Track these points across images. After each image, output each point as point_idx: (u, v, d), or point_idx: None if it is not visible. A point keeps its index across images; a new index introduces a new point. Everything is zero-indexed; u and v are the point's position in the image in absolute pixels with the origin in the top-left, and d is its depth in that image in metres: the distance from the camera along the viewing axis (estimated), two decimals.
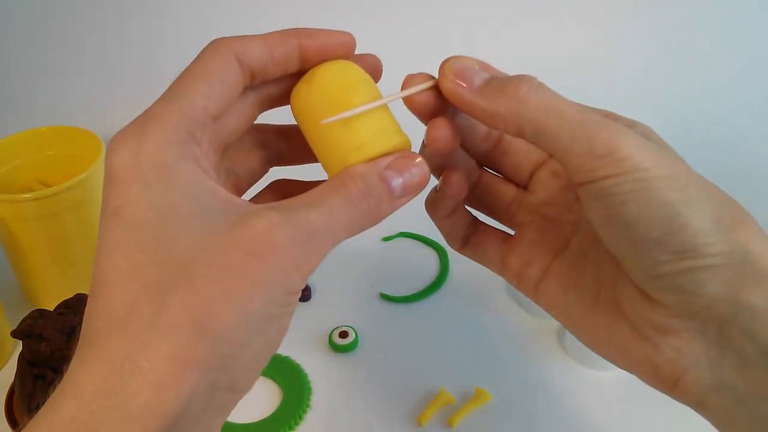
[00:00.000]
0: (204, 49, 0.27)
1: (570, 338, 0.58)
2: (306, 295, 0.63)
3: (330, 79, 0.28)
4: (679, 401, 0.28)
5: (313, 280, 0.65)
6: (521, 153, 0.33)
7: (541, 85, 0.27)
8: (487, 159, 0.34)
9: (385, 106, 0.28)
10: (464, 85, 0.28)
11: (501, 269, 0.34)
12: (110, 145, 0.24)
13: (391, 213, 0.27)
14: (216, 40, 0.27)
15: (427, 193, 0.33)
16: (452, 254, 0.68)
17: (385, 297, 0.64)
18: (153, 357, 0.21)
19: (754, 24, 0.89)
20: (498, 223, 0.35)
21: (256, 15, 0.76)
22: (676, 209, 0.24)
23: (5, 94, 0.85)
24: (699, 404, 0.27)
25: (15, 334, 0.51)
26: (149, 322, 0.22)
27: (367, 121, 0.27)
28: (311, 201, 0.25)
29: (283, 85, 0.30)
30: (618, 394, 0.55)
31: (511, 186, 0.34)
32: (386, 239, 0.70)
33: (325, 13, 0.79)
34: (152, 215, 0.23)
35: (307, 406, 0.54)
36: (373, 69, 0.30)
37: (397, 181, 0.27)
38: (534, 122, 0.26)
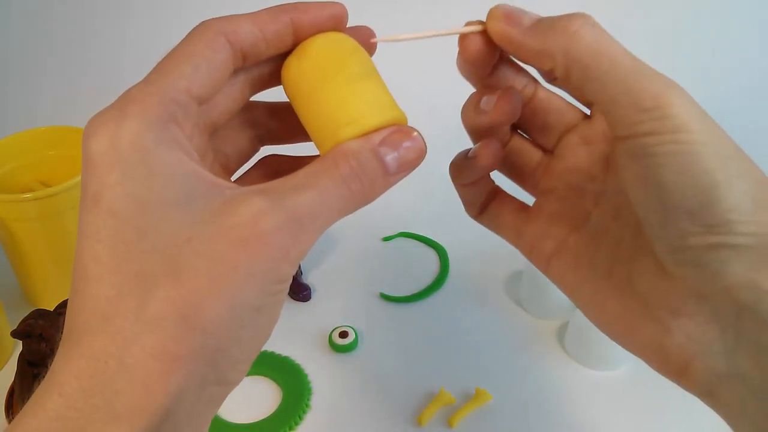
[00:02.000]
0: (191, 31, 0.26)
1: (570, 338, 0.58)
2: (306, 295, 0.63)
3: (322, 51, 0.27)
4: (687, 390, 0.27)
5: (313, 280, 0.65)
6: (553, 113, 0.31)
7: (596, 25, 0.25)
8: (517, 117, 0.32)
9: (379, 79, 0.27)
10: (514, 25, 0.27)
11: (515, 239, 0.33)
12: (87, 128, 0.23)
13: (385, 191, 0.26)
14: (204, 21, 0.26)
15: (452, 158, 0.32)
16: (452, 254, 0.68)
17: (385, 297, 0.64)
18: (139, 353, 0.21)
19: (754, 23, 0.89)
20: (518, 191, 0.34)
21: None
22: (715, 179, 0.23)
23: (5, 94, 0.85)
24: (708, 394, 0.26)
25: (15, 334, 0.51)
26: (134, 316, 0.21)
27: (360, 93, 0.26)
28: (301, 183, 0.24)
29: (274, 65, 0.28)
30: (618, 394, 0.55)
31: (539, 151, 0.33)
32: (386, 239, 0.70)
33: None
34: (133, 204, 0.22)
35: (307, 406, 0.54)
36: (367, 41, 0.29)
37: (391, 157, 0.25)
38: (583, 62, 0.25)
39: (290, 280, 0.24)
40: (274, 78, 0.29)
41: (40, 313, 0.51)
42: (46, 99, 0.84)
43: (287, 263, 0.23)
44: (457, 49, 0.29)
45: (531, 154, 0.33)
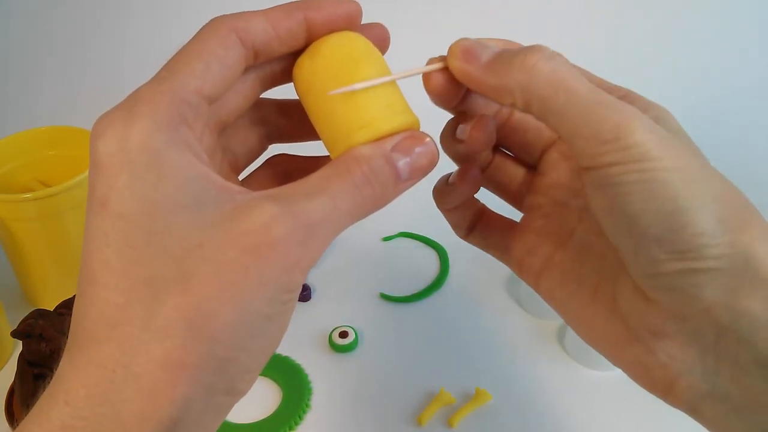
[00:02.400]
0: (202, 27, 0.25)
1: (570, 338, 0.58)
2: (306, 295, 0.63)
3: (335, 52, 0.26)
4: (673, 406, 0.27)
5: (313, 280, 0.65)
6: (531, 131, 0.31)
7: (553, 56, 0.25)
8: (497, 136, 0.32)
9: (393, 83, 0.27)
10: (471, 62, 0.26)
11: (505, 257, 0.33)
12: (94, 129, 0.22)
13: (396, 197, 0.26)
14: (215, 18, 0.25)
15: (435, 182, 0.32)
16: (452, 254, 0.68)
17: (385, 297, 0.64)
18: (146, 362, 0.20)
19: (754, 22, 0.89)
20: (505, 209, 0.34)
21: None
22: (680, 205, 0.23)
23: (5, 94, 0.85)
24: (692, 411, 0.26)
25: (15, 334, 0.51)
26: (142, 323, 0.21)
27: (374, 97, 0.26)
28: (313, 189, 0.23)
29: (285, 62, 0.28)
30: (618, 394, 0.54)
31: (522, 168, 0.33)
32: (386, 239, 0.70)
33: None
34: (142, 207, 0.21)
35: (307, 406, 0.54)
36: (381, 39, 0.28)
37: (403, 163, 0.25)
38: (541, 97, 0.25)
39: (300, 289, 0.23)
40: (285, 75, 0.28)
41: (40, 313, 0.51)
42: (46, 99, 0.84)
43: (298, 271, 0.22)
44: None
45: (515, 171, 0.33)
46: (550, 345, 0.59)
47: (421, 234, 0.70)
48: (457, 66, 0.27)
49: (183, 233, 0.21)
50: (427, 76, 0.28)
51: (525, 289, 0.62)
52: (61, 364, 0.22)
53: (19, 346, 0.53)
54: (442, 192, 0.32)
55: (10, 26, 0.84)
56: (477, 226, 0.33)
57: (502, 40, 0.28)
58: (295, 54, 0.27)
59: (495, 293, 0.64)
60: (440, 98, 0.29)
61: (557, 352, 0.58)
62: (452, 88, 0.28)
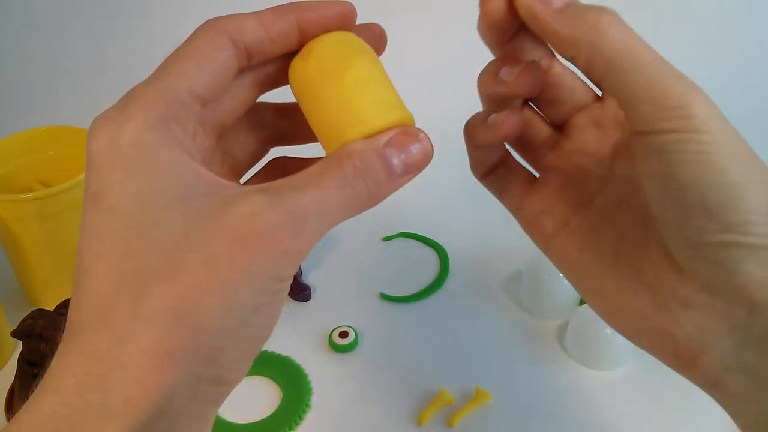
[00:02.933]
0: (195, 29, 0.25)
1: (570, 338, 0.58)
2: (306, 295, 0.63)
3: (329, 51, 0.26)
4: (693, 380, 0.27)
5: (313, 280, 0.65)
6: (566, 89, 0.31)
7: (622, 21, 0.25)
8: None
9: (386, 79, 0.27)
10: (544, 3, 0.26)
11: (516, 210, 0.33)
12: (90, 129, 0.23)
13: (391, 193, 0.26)
14: (208, 20, 0.26)
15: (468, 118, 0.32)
16: (452, 254, 0.68)
17: (385, 297, 0.63)
18: (133, 350, 0.21)
19: (755, 21, 0.89)
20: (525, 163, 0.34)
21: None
22: (735, 180, 0.24)
23: (5, 94, 0.85)
24: (714, 385, 0.26)
25: (15, 334, 0.51)
26: (130, 313, 0.21)
27: (367, 94, 0.26)
28: (303, 182, 0.24)
29: (282, 64, 0.28)
30: (618, 394, 0.54)
31: (547, 127, 0.33)
32: (386, 239, 0.70)
33: None
34: (133, 202, 0.22)
35: (307, 406, 0.54)
36: (378, 39, 0.28)
37: (397, 159, 0.25)
38: (608, 58, 0.25)
39: (290, 280, 0.24)
40: (281, 77, 0.28)
41: (40, 313, 0.51)
42: (45, 99, 0.84)
43: (287, 261, 0.23)
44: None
45: (540, 128, 0.33)
46: (550, 345, 0.59)
47: (421, 234, 0.70)
48: (528, 3, 0.26)
49: (172, 226, 0.22)
50: (487, 1, 0.27)
51: (525, 289, 0.62)
52: (55, 356, 0.23)
53: (19, 346, 0.53)
54: (478, 129, 0.31)
55: (10, 26, 0.84)
56: (497, 170, 0.33)
57: None
58: (291, 56, 0.28)
59: (495, 293, 0.64)
60: (495, 28, 0.28)
61: (557, 352, 0.58)
62: (510, 19, 0.28)
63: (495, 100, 0.31)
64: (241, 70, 0.26)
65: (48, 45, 0.85)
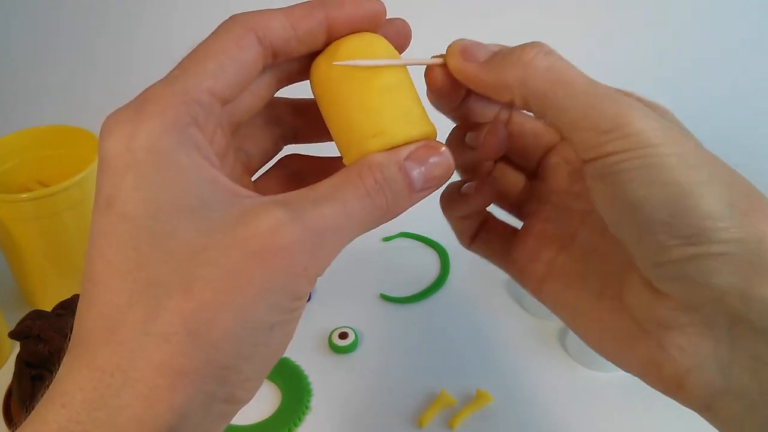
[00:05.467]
0: (219, 25, 0.24)
1: (571, 339, 0.57)
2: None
3: (353, 54, 0.25)
4: (685, 405, 0.26)
5: None
6: (529, 136, 0.31)
7: (550, 52, 0.25)
8: None
9: (412, 89, 0.26)
10: (469, 60, 0.26)
11: (507, 265, 0.33)
12: (103, 127, 0.22)
13: (409, 207, 0.25)
14: (233, 15, 0.24)
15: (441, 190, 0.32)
16: (453, 255, 0.67)
17: (386, 297, 0.63)
18: (145, 367, 0.20)
19: (753, 21, 0.88)
20: (506, 217, 0.34)
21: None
22: (684, 189, 0.23)
23: (4, 94, 0.84)
24: (706, 409, 0.25)
25: (13, 335, 0.50)
26: (142, 327, 0.20)
27: (392, 104, 0.25)
28: (323, 195, 0.23)
29: (303, 61, 0.27)
30: (619, 394, 0.54)
31: (522, 175, 0.33)
32: (386, 239, 0.70)
33: None
34: (147, 209, 0.21)
35: (307, 407, 0.53)
36: (402, 36, 0.28)
37: (418, 173, 0.25)
38: (539, 92, 0.25)
39: (306, 298, 0.23)
40: (301, 74, 0.28)
41: (38, 314, 0.51)
42: (44, 99, 0.84)
43: (305, 279, 0.22)
44: None
45: (515, 179, 0.33)
46: (552, 346, 0.59)
47: (421, 234, 0.70)
48: (455, 63, 0.27)
49: (188, 236, 0.21)
50: (428, 72, 0.28)
51: None
52: (61, 366, 0.22)
53: (16, 347, 0.53)
54: (453, 200, 0.31)
55: (10, 25, 0.84)
56: (480, 233, 0.33)
57: (500, 45, 0.28)
58: (313, 53, 0.27)
59: (496, 294, 0.64)
60: (440, 96, 0.29)
61: (558, 353, 0.58)
62: (452, 86, 0.28)
63: (467, 168, 0.31)
64: (264, 68, 0.26)
65: (46, 44, 0.85)
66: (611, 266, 0.28)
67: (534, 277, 0.31)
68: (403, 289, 0.64)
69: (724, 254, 0.23)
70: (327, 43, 0.26)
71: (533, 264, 0.31)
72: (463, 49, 0.27)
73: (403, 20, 0.28)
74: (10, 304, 0.60)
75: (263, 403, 0.54)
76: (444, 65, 0.28)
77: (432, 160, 0.25)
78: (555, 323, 0.60)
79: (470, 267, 0.66)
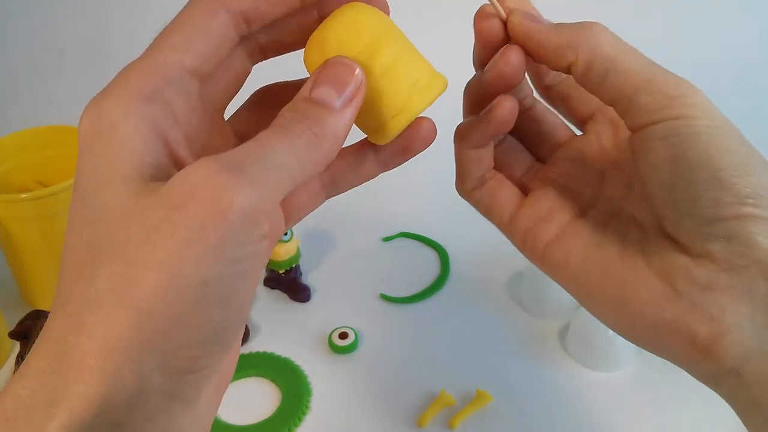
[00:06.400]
0: (188, 1, 0.24)
1: (572, 339, 0.57)
2: (306, 295, 0.63)
3: (350, 34, 0.25)
4: (704, 373, 0.26)
5: (313, 281, 0.65)
6: (547, 124, 0.32)
7: (611, 31, 0.27)
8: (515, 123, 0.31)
9: (411, 49, 0.26)
10: (536, 22, 0.28)
11: (507, 224, 0.32)
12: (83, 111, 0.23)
13: (346, 123, 0.24)
14: None
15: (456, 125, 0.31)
16: (453, 255, 0.67)
17: (386, 297, 0.63)
18: (79, 335, 0.20)
19: (753, 20, 0.88)
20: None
21: None
22: (745, 157, 0.25)
23: (4, 94, 0.85)
24: (730, 373, 0.25)
25: (13, 335, 0.50)
26: (81, 297, 0.21)
27: (399, 80, 0.25)
28: (245, 146, 0.22)
29: (275, 32, 0.27)
30: (620, 395, 0.54)
31: (530, 156, 0.33)
32: (387, 239, 0.70)
33: None
34: (91, 181, 0.22)
35: (307, 407, 0.53)
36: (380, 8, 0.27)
37: (327, 93, 0.24)
38: (607, 56, 0.26)
39: (257, 245, 0.21)
40: (285, 46, 0.27)
41: (37, 314, 0.51)
42: (44, 98, 0.84)
43: (232, 210, 0.20)
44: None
45: (524, 156, 0.33)
46: (552, 346, 0.59)
47: (421, 234, 0.70)
48: (520, 22, 0.28)
49: (119, 204, 0.21)
50: (482, 22, 0.29)
51: (526, 289, 0.62)
52: None
53: (16, 347, 0.53)
54: (471, 127, 0.30)
55: (10, 25, 0.84)
56: (487, 182, 0.32)
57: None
58: (296, 16, 0.26)
59: (496, 294, 0.64)
60: (486, 46, 0.29)
61: (559, 353, 0.58)
62: (502, 40, 0.29)
63: (483, 99, 0.30)
64: (243, 39, 0.25)
65: (46, 44, 0.85)
66: (633, 232, 0.28)
67: (541, 240, 0.30)
68: (403, 289, 0.64)
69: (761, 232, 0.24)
70: (302, 3, 0.25)
71: (543, 225, 0.30)
72: (526, 13, 0.28)
73: None
74: (10, 305, 0.60)
75: (263, 403, 0.54)
76: (502, 20, 0.28)
77: (335, 72, 0.24)
78: (555, 323, 0.60)
79: (470, 267, 0.66)
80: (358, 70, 0.24)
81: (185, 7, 0.24)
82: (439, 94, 0.26)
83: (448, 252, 0.68)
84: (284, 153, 0.22)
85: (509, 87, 0.29)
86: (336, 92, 0.24)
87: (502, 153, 0.32)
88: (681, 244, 0.26)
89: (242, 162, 0.21)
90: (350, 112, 0.24)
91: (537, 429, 0.52)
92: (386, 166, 0.30)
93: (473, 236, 0.68)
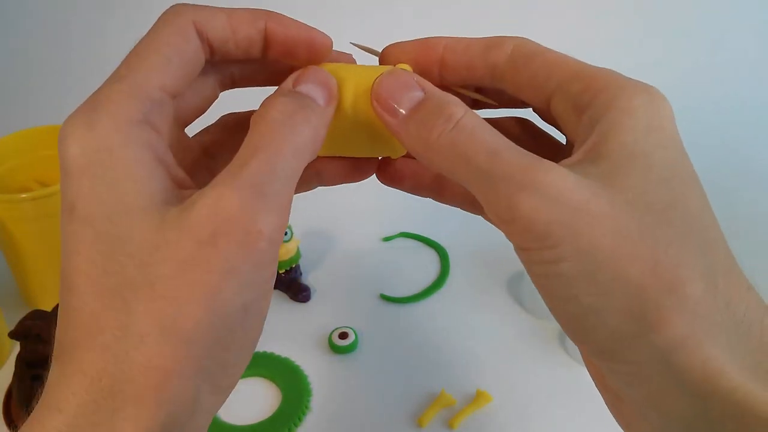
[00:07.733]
0: (160, 16, 0.24)
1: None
2: (306, 295, 0.63)
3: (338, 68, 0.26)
4: None
5: (313, 281, 0.65)
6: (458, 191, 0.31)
7: (457, 127, 0.23)
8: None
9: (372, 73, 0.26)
10: (391, 112, 0.24)
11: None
12: (60, 133, 0.22)
13: (326, 119, 0.24)
14: (174, 6, 0.24)
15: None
16: (453, 255, 0.67)
17: (386, 298, 0.63)
18: (129, 370, 0.20)
19: (752, 21, 0.88)
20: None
21: None
22: (585, 304, 0.21)
23: (4, 94, 0.84)
24: None
25: (13, 335, 0.50)
26: (119, 332, 0.21)
27: (375, 125, 0.26)
28: (245, 155, 0.22)
29: (247, 68, 0.27)
30: None
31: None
32: (386, 239, 0.70)
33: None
34: (103, 211, 0.21)
35: (307, 407, 0.53)
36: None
37: (311, 89, 0.24)
38: (449, 171, 0.23)
39: (273, 267, 0.22)
40: (246, 80, 0.28)
41: (37, 314, 0.51)
42: (45, 99, 0.84)
43: (262, 239, 0.21)
44: None
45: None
46: (552, 346, 0.59)
47: (421, 234, 0.70)
48: (377, 112, 0.25)
49: (143, 237, 0.21)
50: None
51: (526, 289, 0.62)
52: (50, 371, 0.22)
53: (16, 347, 0.53)
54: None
55: (10, 25, 0.84)
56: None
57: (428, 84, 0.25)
58: (254, 61, 0.27)
59: (496, 293, 0.64)
60: (412, 182, 0.32)
61: (559, 353, 0.58)
62: (410, 173, 0.30)
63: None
64: (208, 64, 0.25)
65: (46, 44, 0.85)
66: None
67: None
68: (403, 289, 0.64)
69: (636, 373, 0.22)
70: (264, 56, 0.26)
71: None
72: (379, 94, 0.25)
73: (350, 56, 0.28)
74: (10, 304, 0.60)
75: (263, 403, 0.54)
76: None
77: (318, 77, 0.25)
78: (555, 323, 0.60)
79: (470, 267, 0.66)
80: (333, 80, 0.25)
81: (159, 24, 0.24)
82: None
83: (448, 252, 0.68)
84: (292, 158, 0.22)
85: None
86: (320, 91, 0.24)
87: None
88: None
89: (260, 183, 0.21)
90: (330, 111, 0.25)
91: (537, 429, 0.52)
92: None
93: (473, 236, 0.68)
